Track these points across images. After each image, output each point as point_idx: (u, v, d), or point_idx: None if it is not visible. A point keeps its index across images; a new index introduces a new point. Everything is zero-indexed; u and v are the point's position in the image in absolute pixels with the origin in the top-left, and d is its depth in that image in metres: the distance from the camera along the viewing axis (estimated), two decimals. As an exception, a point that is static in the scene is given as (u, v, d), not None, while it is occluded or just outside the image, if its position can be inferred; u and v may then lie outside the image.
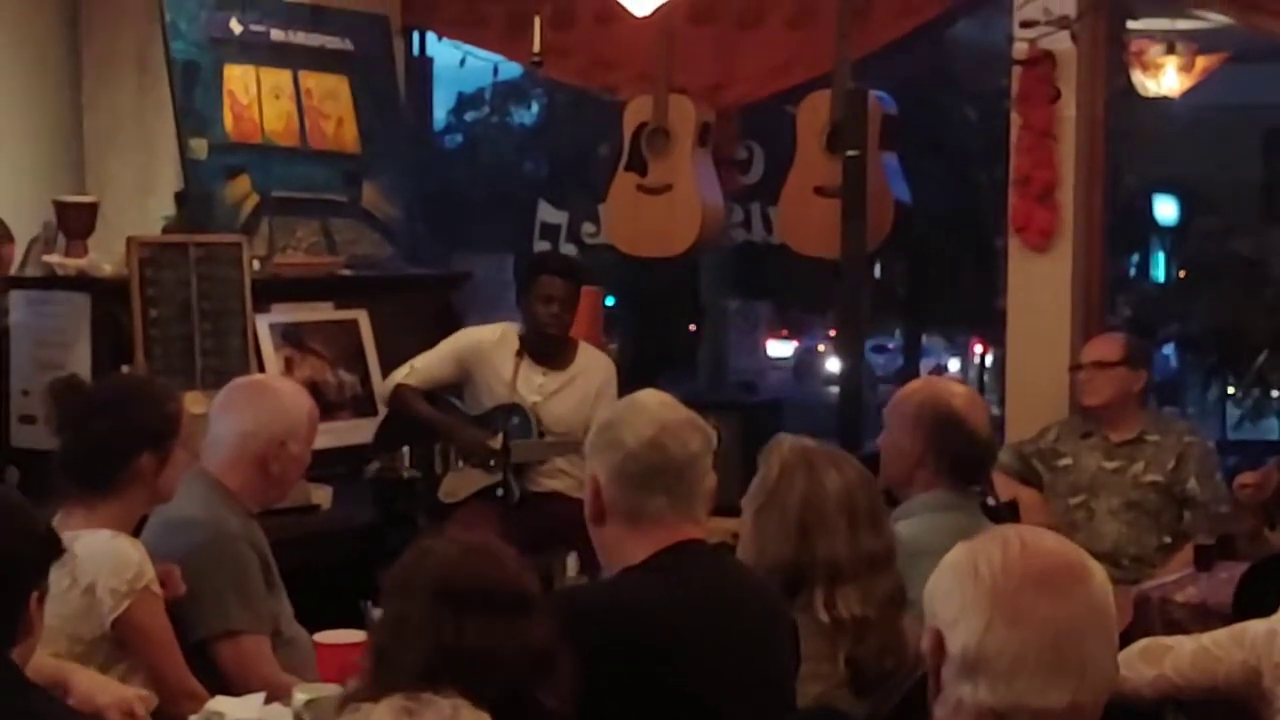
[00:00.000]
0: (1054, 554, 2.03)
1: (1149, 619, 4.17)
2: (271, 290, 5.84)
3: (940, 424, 3.74)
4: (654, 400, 2.93)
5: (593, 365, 5.60)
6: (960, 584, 2.01)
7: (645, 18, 5.96)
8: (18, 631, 2.36)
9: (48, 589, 2.47)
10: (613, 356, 5.85)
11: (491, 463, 5.31)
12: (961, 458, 3.74)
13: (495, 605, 2.31)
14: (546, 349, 5.54)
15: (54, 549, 2.50)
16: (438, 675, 2.18)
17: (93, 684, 2.98)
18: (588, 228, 7.16)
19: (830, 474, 3.20)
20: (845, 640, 3.13)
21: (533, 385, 5.49)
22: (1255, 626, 2.99)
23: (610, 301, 9.27)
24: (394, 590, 2.37)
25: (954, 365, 15.77)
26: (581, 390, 5.50)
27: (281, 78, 6.37)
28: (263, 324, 5.76)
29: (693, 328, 13.23)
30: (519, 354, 5.46)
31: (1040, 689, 1.95)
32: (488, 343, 5.60)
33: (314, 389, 4.58)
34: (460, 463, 5.46)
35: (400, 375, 5.63)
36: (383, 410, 5.80)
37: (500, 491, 5.29)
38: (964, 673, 1.98)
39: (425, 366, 5.62)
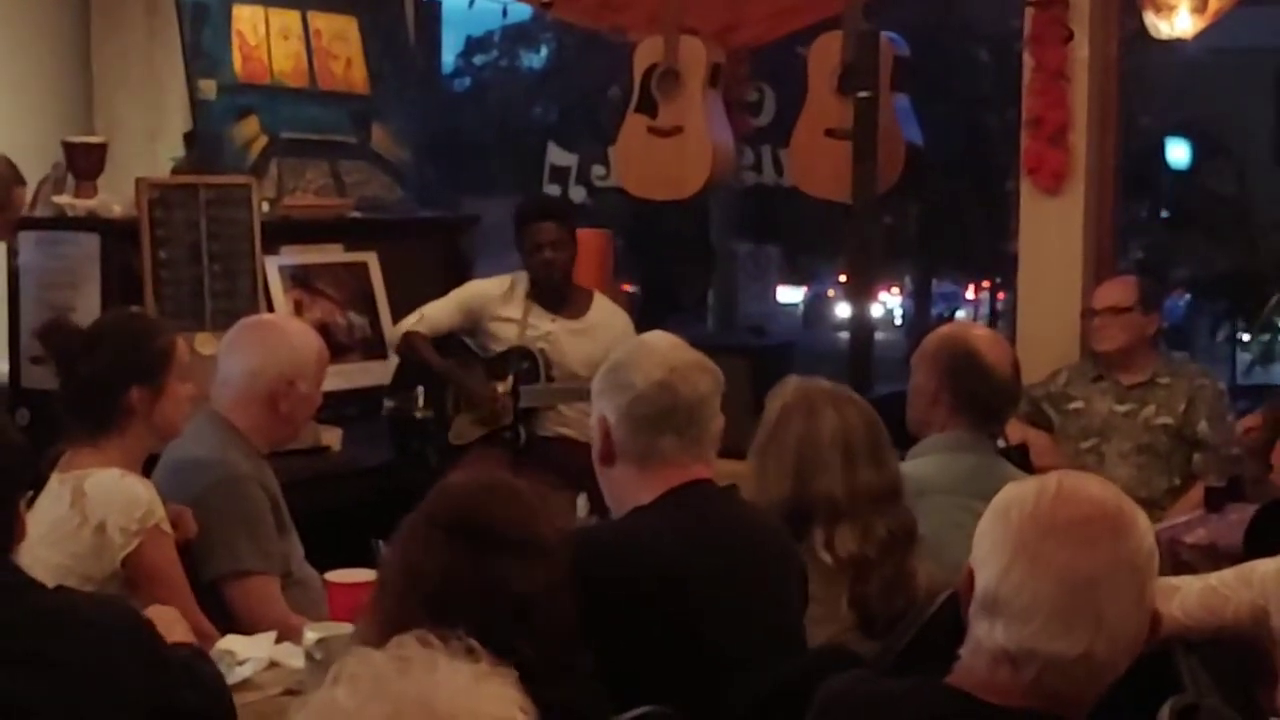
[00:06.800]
0: (1090, 503, 2.03)
1: (1159, 560, 4.16)
2: (281, 232, 5.84)
3: (956, 361, 3.74)
4: (663, 342, 2.94)
5: (609, 320, 5.55)
6: (993, 524, 2.04)
7: (655, -43, 5.93)
8: (13, 537, 2.43)
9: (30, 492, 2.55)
10: (630, 299, 5.82)
11: (496, 410, 5.35)
12: (977, 397, 3.74)
13: (493, 544, 2.30)
14: (553, 294, 5.53)
15: (33, 457, 2.61)
16: (442, 612, 2.11)
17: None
18: (597, 170, 7.13)
19: (827, 413, 3.22)
20: (846, 580, 3.14)
21: (541, 331, 5.49)
22: (1264, 566, 2.99)
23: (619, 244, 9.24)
24: (405, 524, 2.37)
25: (960, 314, 15.70)
26: (593, 343, 5.46)
27: (290, 18, 6.34)
28: (272, 266, 5.75)
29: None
30: (529, 298, 5.49)
31: (1053, 635, 1.96)
32: (492, 294, 5.59)
33: (324, 331, 4.57)
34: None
35: (409, 323, 5.62)
36: (393, 356, 5.80)
37: (508, 435, 5.33)
38: (983, 611, 2.01)
39: (433, 315, 5.60)
